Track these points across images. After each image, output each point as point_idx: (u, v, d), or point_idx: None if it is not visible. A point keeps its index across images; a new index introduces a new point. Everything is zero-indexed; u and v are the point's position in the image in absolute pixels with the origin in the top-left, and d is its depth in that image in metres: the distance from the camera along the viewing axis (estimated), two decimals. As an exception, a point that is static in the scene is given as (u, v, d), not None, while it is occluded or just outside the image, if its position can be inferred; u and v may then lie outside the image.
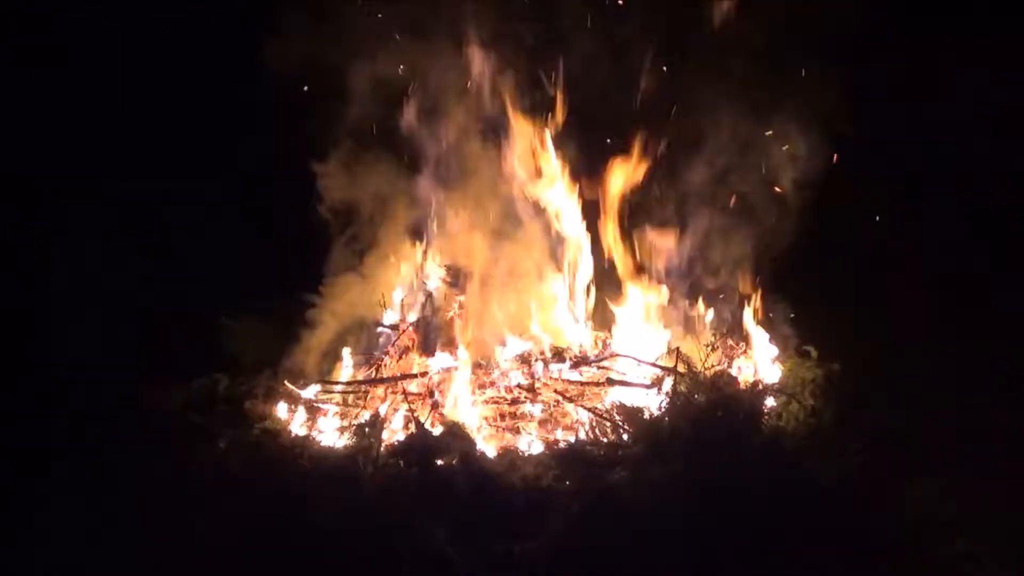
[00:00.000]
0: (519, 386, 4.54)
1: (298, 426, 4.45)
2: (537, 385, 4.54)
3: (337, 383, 4.76)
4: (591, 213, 5.03)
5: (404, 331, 4.88)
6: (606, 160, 4.98)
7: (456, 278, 4.92)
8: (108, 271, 5.13)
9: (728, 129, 4.94)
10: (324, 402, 4.63)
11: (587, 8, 4.93)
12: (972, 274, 5.27)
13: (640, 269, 5.01)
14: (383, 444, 4.02)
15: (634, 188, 4.99)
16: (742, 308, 4.94)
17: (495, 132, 4.96)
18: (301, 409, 4.52)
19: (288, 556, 3.37)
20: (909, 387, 4.36)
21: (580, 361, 4.71)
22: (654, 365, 4.63)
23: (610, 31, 4.87)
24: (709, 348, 4.66)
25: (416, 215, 5.03)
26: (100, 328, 4.89)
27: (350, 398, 4.66)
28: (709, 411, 3.98)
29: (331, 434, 4.40)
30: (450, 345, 4.74)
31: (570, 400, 4.46)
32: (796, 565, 3.32)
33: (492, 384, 4.58)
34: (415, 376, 4.63)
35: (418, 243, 5.06)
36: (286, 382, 4.60)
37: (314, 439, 4.31)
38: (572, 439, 4.22)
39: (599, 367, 4.73)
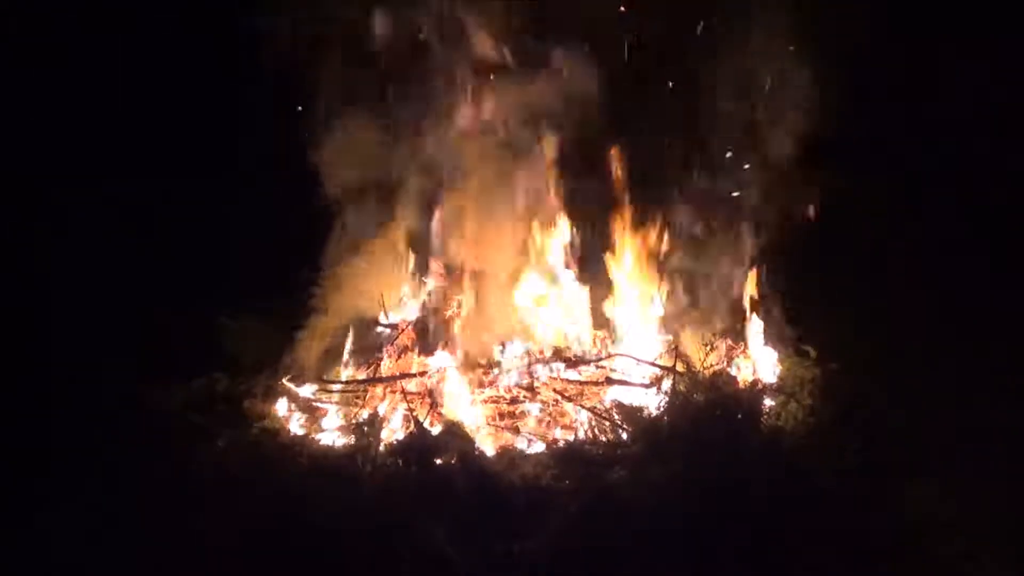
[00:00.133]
0: (518, 385, 4.54)
1: (297, 426, 4.45)
2: (536, 384, 4.55)
3: (336, 382, 4.76)
4: (591, 213, 5.03)
5: (403, 330, 4.88)
6: (606, 160, 4.98)
7: (455, 277, 4.91)
8: (108, 271, 5.13)
9: (729, 129, 4.95)
10: (323, 402, 4.64)
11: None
12: (972, 274, 5.26)
13: (640, 267, 5.01)
14: (382, 443, 4.03)
15: (633, 188, 4.99)
16: (742, 308, 4.93)
17: (494, 131, 4.94)
18: (300, 409, 4.52)
19: (288, 556, 3.38)
20: (909, 387, 4.35)
21: (579, 360, 4.71)
22: (653, 364, 4.64)
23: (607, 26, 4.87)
24: (708, 347, 4.64)
25: (416, 213, 5.03)
26: (100, 328, 4.89)
27: (349, 397, 4.66)
28: (708, 410, 3.98)
29: (330, 433, 4.40)
30: (449, 345, 4.74)
31: (569, 399, 4.46)
32: (796, 565, 3.32)
33: (491, 383, 4.58)
34: (414, 375, 4.63)
35: (418, 243, 5.06)
36: (285, 381, 4.60)
37: (313, 438, 4.31)
38: (571, 438, 4.23)
39: (598, 366, 4.73)
